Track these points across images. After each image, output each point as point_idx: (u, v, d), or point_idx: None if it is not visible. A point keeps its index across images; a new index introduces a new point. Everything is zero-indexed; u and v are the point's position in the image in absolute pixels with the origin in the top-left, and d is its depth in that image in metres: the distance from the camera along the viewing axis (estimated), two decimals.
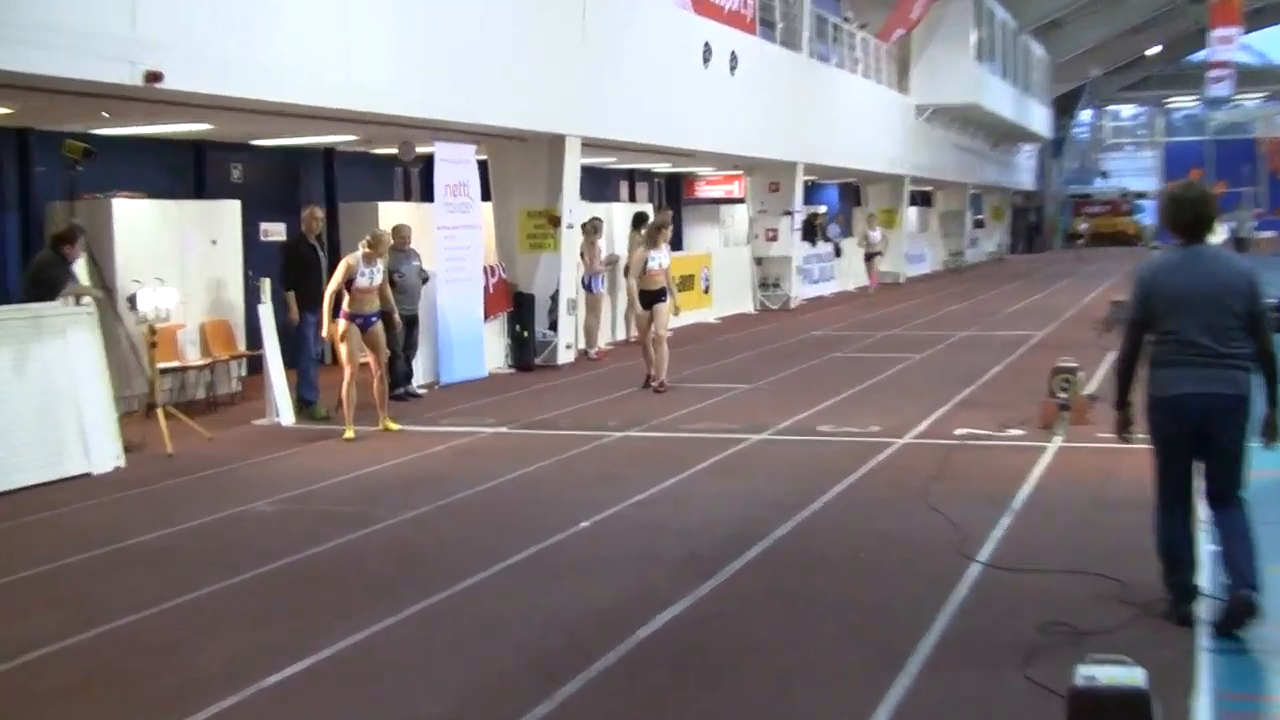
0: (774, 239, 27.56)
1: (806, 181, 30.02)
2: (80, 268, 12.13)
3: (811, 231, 30.48)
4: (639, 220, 20.50)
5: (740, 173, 30.07)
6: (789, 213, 27.51)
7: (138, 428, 12.07)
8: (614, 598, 7.13)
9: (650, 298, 15.07)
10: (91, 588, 7.60)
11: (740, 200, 32.04)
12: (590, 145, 19.21)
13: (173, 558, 8.27)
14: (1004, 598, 6.91)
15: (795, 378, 16.24)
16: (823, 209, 36.08)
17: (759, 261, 27.71)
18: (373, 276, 12.37)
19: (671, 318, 15.38)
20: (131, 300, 12.46)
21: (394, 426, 12.12)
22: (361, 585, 7.51)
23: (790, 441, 11.74)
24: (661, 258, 15.04)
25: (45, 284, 11.41)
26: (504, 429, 12.78)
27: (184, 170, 17.33)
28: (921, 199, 48.95)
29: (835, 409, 13.48)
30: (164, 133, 16.06)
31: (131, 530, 8.88)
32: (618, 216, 22.38)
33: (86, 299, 11.58)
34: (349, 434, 12.09)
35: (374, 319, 12.43)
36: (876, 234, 31.62)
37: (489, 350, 17.28)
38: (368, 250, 12.42)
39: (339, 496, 9.94)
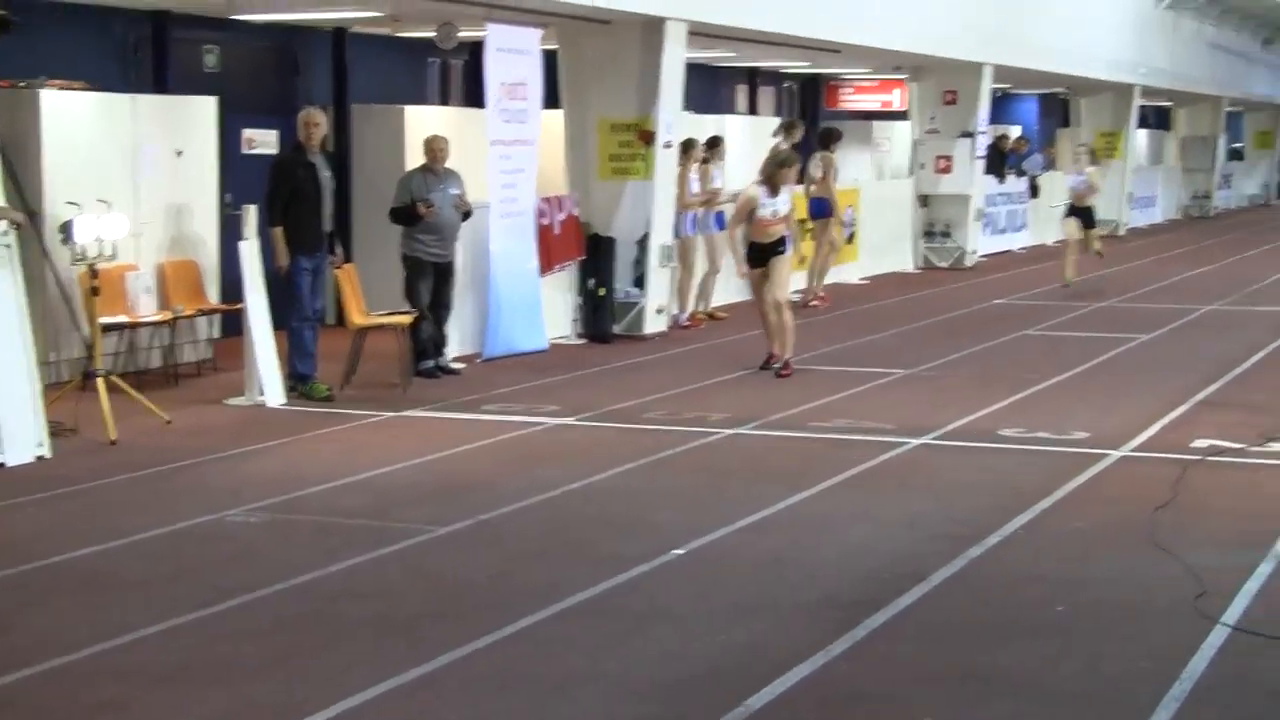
0: (947, 170, 27.39)
1: (996, 91, 29.79)
2: None
3: (999, 161, 30.26)
4: (828, 138, 21.85)
5: (903, 77, 29.86)
6: (969, 134, 27.31)
7: (69, 405, 12.27)
8: (716, 653, 7.14)
9: (765, 252, 15.29)
10: (5, 621, 7.71)
11: (901, 115, 31.83)
12: (699, 34, 19.18)
13: (113, 584, 8.38)
14: (1263, 677, 6.83)
15: (970, 362, 16.18)
16: (1016, 130, 35.79)
17: (924, 201, 27.56)
18: None
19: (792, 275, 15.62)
20: (64, 230, 12.63)
21: None
22: (371, 627, 7.58)
23: (961, 449, 11.70)
24: (778, 205, 15.32)
25: None
26: (570, 420, 12.84)
27: (139, 53, 17.55)
28: (1156, 118, 48.38)
29: (1025, 406, 13.42)
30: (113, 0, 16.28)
31: (57, 544, 9.01)
32: (734, 132, 22.35)
33: (3, 224, 11.75)
34: None
35: None
36: (1081, 178, 24.12)
37: (552, 314, 17.36)
38: None
39: (342, 505, 10.03)
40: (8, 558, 8.69)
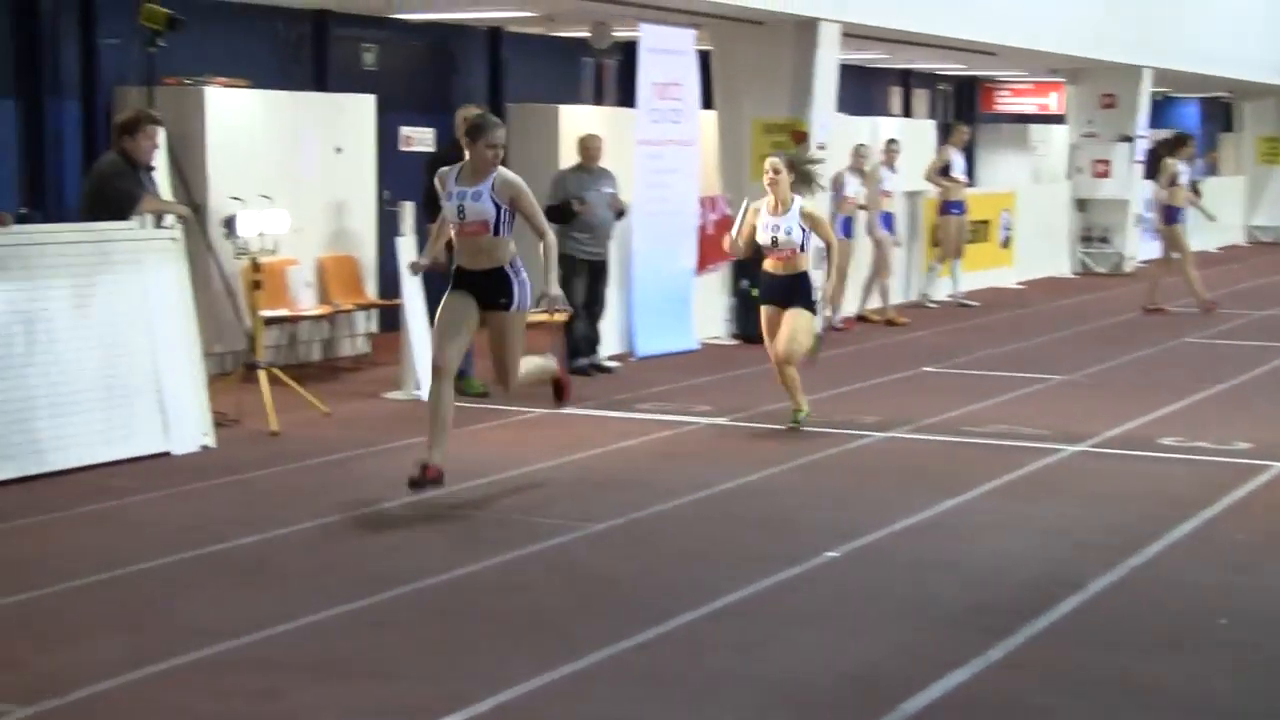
0: (1105, 175, 27.11)
1: (1155, 95, 29.41)
2: (161, 178, 12.48)
3: (1158, 166, 29.85)
4: (1177, 144, 21.65)
5: (1060, 80, 29.58)
6: (1128, 138, 27.00)
7: (232, 395, 12.46)
8: (870, 657, 7.14)
9: (478, 285, 10.29)
10: (166, 606, 7.89)
11: (1059, 119, 31.52)
12: (853, 35, 19.12)
13: (272, 572, 8.53)
14: None
15: (1128, 369, 15.99)
16: (1170, 135, 35.28)
17: (1081, 206, 27.28)
18: None
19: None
20: (228, 224, 12.79)
21: None
22: (524, 622, 7.63)
23: (1118, 457, 11.58)
24: (468, 202, 10.18)
25: (113, 198, 11.72)
26: (722, 420, 12.85)
27: (300, 51, 17.80)
28: None
29: (1185, 415, 13.24)
30: None
31: (220, 531, 9.19)
32: (888, 135, 22.24)
33: (170, 218, 11.96)
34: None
35: None
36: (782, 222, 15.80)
37: (704, 314, 17.37)
38: None
39: (497, 500, 10.13)
40: (170, 545, 8.84)
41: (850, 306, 19.48)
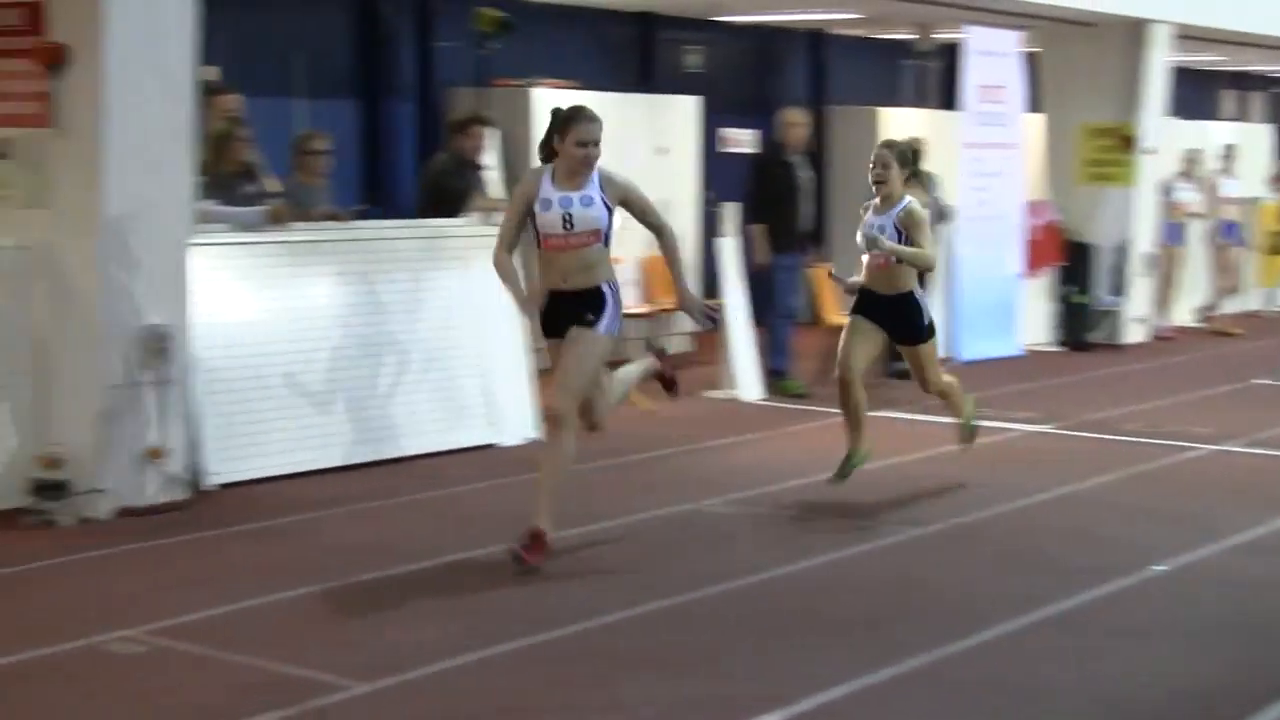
0: None
1: None
2: (493, 177, 12.80)
3: None
4: None
5: None
6: None
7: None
8: (1205, 674, 7.00)
9: (563, 312, 8.81)
10: (497, 593, 8.11)
11: None
12: (1187, 37, 18.73)
13: (597, 565, 8.70)
14: None
15: None
16: None
17: None
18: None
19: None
20: None
21: None
22: (843, 622, 7.67)
23: None
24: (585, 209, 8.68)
25: (445, 195, 12.12)
26: (1046, 428, 12.75)
27: (626, 53, 18.07)
28: None
29: None
30: (602, 1, 16.81)
31: None
32: (1220, 140, 21.75)
33: (499, 216, 12.24)
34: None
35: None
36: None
37: (1028, 319, 17.21)
38: None
39: (814, 501, 10.19)
40: (499, 534, 8.96)
41: (1178, 315, 19.12)
